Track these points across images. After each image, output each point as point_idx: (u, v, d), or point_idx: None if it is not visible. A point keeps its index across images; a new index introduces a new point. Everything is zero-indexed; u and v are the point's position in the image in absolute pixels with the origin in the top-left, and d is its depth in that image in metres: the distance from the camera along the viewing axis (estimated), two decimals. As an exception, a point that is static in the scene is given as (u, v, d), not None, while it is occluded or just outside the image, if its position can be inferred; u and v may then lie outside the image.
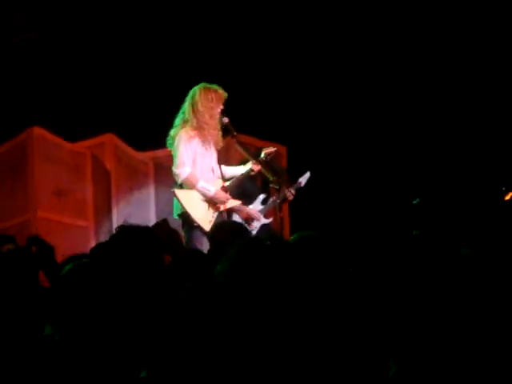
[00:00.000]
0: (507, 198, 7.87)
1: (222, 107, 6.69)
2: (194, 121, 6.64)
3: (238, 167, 7.02)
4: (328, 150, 9.41)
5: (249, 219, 6.95)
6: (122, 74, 9.12)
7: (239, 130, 6.91)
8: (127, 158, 8.33)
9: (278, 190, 6.75)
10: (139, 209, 8.25)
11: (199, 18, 9.30)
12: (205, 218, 6.62)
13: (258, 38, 9.37)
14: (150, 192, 8.48)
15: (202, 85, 6.72)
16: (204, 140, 6.68)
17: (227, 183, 6.83)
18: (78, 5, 9.02)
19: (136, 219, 7.90)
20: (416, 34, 9.41)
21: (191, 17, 9.29)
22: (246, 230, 4.94)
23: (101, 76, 9.06)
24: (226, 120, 6.73)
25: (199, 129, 6.65)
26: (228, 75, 8.46)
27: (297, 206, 8.39)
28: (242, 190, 7.34)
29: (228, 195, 6.78)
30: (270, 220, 7.13)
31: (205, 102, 6.63)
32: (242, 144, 6.86)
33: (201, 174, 6.70)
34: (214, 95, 6.65)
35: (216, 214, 6.72)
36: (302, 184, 7.26)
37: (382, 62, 9.51)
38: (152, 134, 8.52)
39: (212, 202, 6.69)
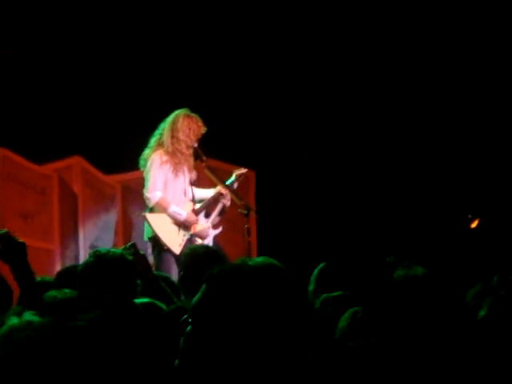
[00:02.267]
0: (473, 225, 7.94)
1: (201, 133, 6.72)
2: (170, 147, 6.66)
3: (207, 190, 7.02)
4: (296, 174, 9.43)
5: (202, 238, 6.93)
6: (91, 96, 9.09)
7: (208, 154, 6.92)
8: (95, 180, 8.29)
9: (247, 215, 6.75)
10: (106, 232, 8.19)
11: (166, 41, 9.30)
12: (175, 241, 6.63)
13: (227, 60, 9.39)
14: (117, 215, 8.43)
15: (185, 111, 6.74)
16: (176, 165, 6.68)
17: (197, 206, 6.83)
18: (47, 24, 8.98)
19: (103, 243, 7.86)
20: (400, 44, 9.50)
21: (159, 38, 9.28)
22: (220, 254, 4.93)
23: (69, 98, 9.01)
24: (194, 144, 6.75)
25: (173, 155, 6.67)
26: (197, 98, 8.47)
27: (265, 230, 8.40)
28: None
29: (197, 218, 6.79)
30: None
31: (186, 131, 6.67)
32: (210, 169, 6.87)
33: (172, 197, 6.72)
34: (195, 127, 6.68)
35: (186, 237, 6.72)
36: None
37: (357, 84, 9.58)
38: (120, 157, 8.50)
39: (182, 225, 6.69)
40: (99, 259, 3.72)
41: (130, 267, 3.77)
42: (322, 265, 4.55)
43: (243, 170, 6.98)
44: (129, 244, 5.49)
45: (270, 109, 9.50)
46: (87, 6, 8.99)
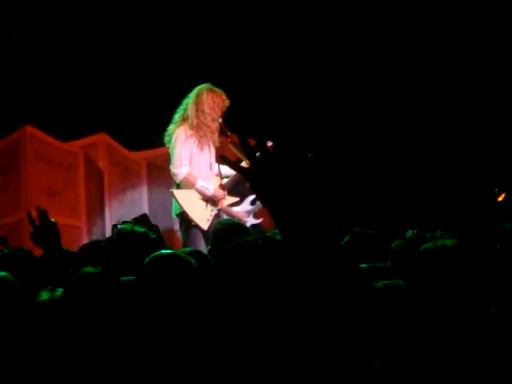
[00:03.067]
0: (500, 199, 7.88)
1: (225, 106, 6.68)
2: (195, 120, 6.62)
3: None
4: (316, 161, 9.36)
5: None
6: (115, 73, 9.09)
7: (232, 129, 6.90)
8: (120, 157, 8.31)
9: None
10: (132, 209, 8.21)
11: (193, 20, 9.28)
12: (203, 217, 6.61)
13: (251, 40, 9.36)
14: (142, 192, 8.45)
15: (208, 85, 6.69)
16: (201, 138, 6.65)
17: (224, 181, 6.81)
18: (73, 2, 8.99)
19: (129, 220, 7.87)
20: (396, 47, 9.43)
21: (184, 18, 9.26)
22: (245, 228, 4.92)
23: (94, 75, 9.02)
24: (219, 120, 6.72)
25: (198, 128, 6.62)
26: (223, 75, 8.45)
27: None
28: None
29: (225, 193, 6.77)
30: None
31: (211, 104, 6.62)
32: (236, 144, 6.83)
33: (198, 172, 6.69)
34: (219, 100, 6.64)
35: (214, 212, 6.70)
36: None
37: (368, 79, 9.54)
38: (145, 133, 8.51)
39: (210, 200, 6.67)
40: (122, 236, 3.73)
41: (152, 245, 3.78)
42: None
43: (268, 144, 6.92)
44: (140, 215, 5.51)
45: (293, 86, 9.47)
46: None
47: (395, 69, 9.46)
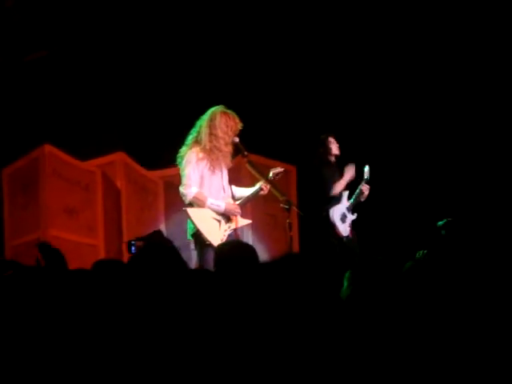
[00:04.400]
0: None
1: (238, 129, 6.72)
2: (208, 144, 6.64)
3: (247, 188, 7.02)
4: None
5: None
6: (133, 92, 9.17)
7: (249, 149, 6.94)
8: (137, 176, 8.36)
9: (288, 210, 6.76)
10: (149, 228, 8.25)
11: (206, 39, 9.36)
12: (216, 236, 6.62)
13: (265, 55, 9.42)
14: (159, 211, 8.49)
15: (221, 108, 6.69)
16: (213, 162, 6.69)
17: (237, 202, 6.84)
18: (88, 24, 9.09)
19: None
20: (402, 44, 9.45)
21: (198, 36, 9.34)
22: (252, 249, 4.93)
23: (111, 95, 9.11)
24: (236, 139, 6.74)
25: (210, 152, 6.66)
26: (237, 94, 8.51)
27: (306, 225, 8.41)
28: (330, 184, 7.93)
29: (238, 208, 6.78)
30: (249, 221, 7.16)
31: (224, 128, 6.64)
32: (252, 163, 6.86)
33: (209, 193, 6.70)
34: (232, 123, 6.66)
35: (227, 232, 6.71)
36: (368, 178, 8.05)
37: (381, 77, 9.55)
38: (162, 152, 8.56)
39: (224, 218, 6.70)
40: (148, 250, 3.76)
41: (177, 257, 3.81)
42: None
43: (280, 169, 6.96)
44: (153, 231, 5.55)
45: (308, 104, 9.51)
46: (121, 6, 9.09)
47: (394, 72, 9.49)
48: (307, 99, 9.55)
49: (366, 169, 8.05)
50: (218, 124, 6.63)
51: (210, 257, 6.56)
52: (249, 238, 8.03)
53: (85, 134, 8.79)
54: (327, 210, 7.93)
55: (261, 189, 6.82)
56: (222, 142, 6.64)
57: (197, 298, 3.61)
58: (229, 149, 6.69)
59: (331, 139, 8.14)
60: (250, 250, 4.99)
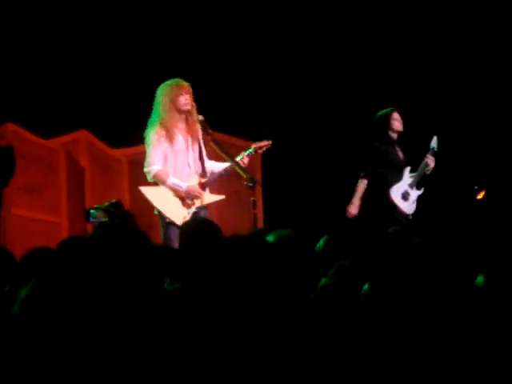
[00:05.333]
0: (479, 197, 7.91)
1: (189, 98, 6.64)
2: (163, 119, 6.60)
3: (225, 164, 6.92)
4: (302, 147, 9.44)
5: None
6: (96, 69, 9.10)
7: (215, 127, 6.91)
8: (101, 154, 8.32)
9: (252, 188, 6.75)
10: (113, 206, 8.23)
11: (177, 17, 9.29)
12: (178, 213, 6.58)
13: (233, 35, 9.38)
14: (123, 189, 8.47)
15: (172, 81, 6.66)
16: (177, 135, 6.65)
17: (204, 180, 6.78)
18: None
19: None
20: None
21: (167, 15, 9.27)
22: (216, 227, 4.93)
23: (74, 72, 9.03)
24: (200, 117, 6.72)
25: (169, 126, 6.60)
26: (205, 72, 8.48)
27: (271, 203, 8.44)
28: (390, 161, 7.57)
29: (202, 191, 6.73)
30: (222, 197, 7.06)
31: (177, 100, 6.59)
32: (217, 142, 6.84)
33: (174, 170, 6.66)
34: (175, 88, 6.60)
35: (192, 210, 6.68)
36: (436, 148, 7.65)
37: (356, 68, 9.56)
38: (126, 130, 8.52)
39: (186, 197, 6.67)
40: (105, 229, 3.75)
41: (139, 236, 3.80)
42: (325, 237, 4.59)
43: (264, 143, 6.88)
44: (114, 200, 5.51)
45: (274, 82, 9.50)
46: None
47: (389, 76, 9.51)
48: (270, 78, 9.53)
49: (434, 139, 7.67)
50: (163, 96, 6.59)
51: (173, 234, 6.54)
52: (213, 216, 8.02)
53: (48, 112, 8.71)
54: (386, 191, 7.54)
55: (237, 163, 6.73)
56: (173, 111, 6.59)
57: (158, 275, 3.61)
58: (184, 114, 6.64)
59: (394, 114, 7.62)
60: (213, 227, 5.01)
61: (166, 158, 6.64)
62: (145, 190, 6.63)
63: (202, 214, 6.72)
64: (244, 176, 6.70)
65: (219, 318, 2.75)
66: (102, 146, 8.34)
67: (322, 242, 4.54)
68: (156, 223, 7.04)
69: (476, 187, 7.92)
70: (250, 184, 6.68)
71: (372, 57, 9.56)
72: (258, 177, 8.28)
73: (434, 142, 7.67)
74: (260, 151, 6.84)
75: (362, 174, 7.61)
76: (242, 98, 9.36)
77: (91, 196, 8.07)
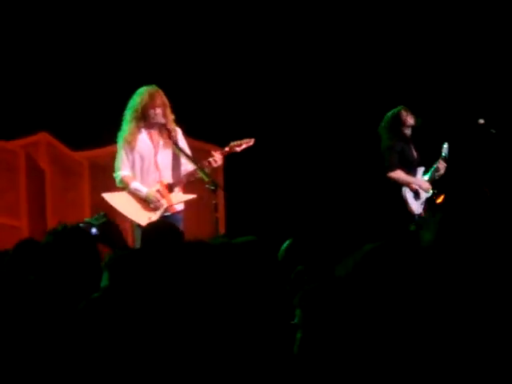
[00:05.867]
0: (439, 200, 7.95)
1: (162, 111, 6.67)
2: (131, 127, 6.67)
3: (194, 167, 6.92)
4: (265, 151, 9.43)
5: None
6: (58, 71, 9.02)
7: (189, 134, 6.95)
8: (62, 157, 8.27)
9: (214, 191, 6.75)
10: (74, 209, 8.18)
11: (139, 18, 9.24)
12: (142, 215, 6.65)
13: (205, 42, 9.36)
14: (84, 192, 8.42)
15: (148, 87, 6.71)
16: (144, 142, 6.70)
17: (169, 182, 6.79)
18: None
19: (71, 219, 7.83)
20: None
21: (130, 16, 9.22)
22: (178, 230, 4.93)
23: (36, 73, 8.95)
24: (163, 120, 6.73)
25: (136, 133, 6.67)
26: (170, 77, 8.44)
27: (233, 206, 8.43)
28: (406, 160, 7.62)
29: (169, 192, 6.75)
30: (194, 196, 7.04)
31: (150, 107, 6.62)
32: (177, 145, 6.83)
33: (140, 175, 6.72)
34: (150, 100, 6.65)
35: (159, 212, 6.71)
36: (447, 155, 7.78)
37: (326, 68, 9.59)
38: (88, 133, 8.47)
39: (151, 202, 6.70)
40: (57, 236, 3.74)
41: (87, 238, 3.79)
42: (288, 241, 4.59)
43: (246, 141, 6.87)
44: (102, 213, 5.53)
45: (240, 86, 9.50)
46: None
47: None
48: (236, 81, 9.53)
49: (445, 145, 7.79)
50: (138, 102, 6.64)
51: (139, 236, 6.59)
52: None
53: (8, 113, 8.62)
54: (399, 187, 7.61)
55: (208, 162, 6.75)
56: (143, 120, 6.64)
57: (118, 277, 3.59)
58: (161, 125, 6.66)
59: (403, 112, 7.70)
60: (174, 230, 5.00)
61: (133, 163, 6.71)
62: (107, 196, 6.75)
63: (177, 218, 6.73)
64: (206, 179, 6.72)
65: (172, 324, 2.73)
66: (62, 148, 8.29)
67: (284, 247, 4.54)
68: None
69: (435, 191, 7.94)
70: (212, 187, 6.70)
71: (354, 61, 9.60)
72: (220, 180, 8.26)
73: (445, 149, 7.79)
74: (239, 149, 6.85)
75: (392, 167, 7.61)
76: (207, 101, 9.34)
77: (52, 199, 8.00)
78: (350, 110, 9.55)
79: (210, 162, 6.71)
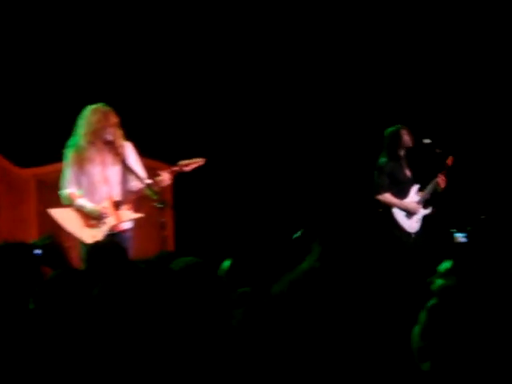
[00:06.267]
0: (449, 162, 7.88)
1: (113, 131, 6.67)
2: (83, 142, 6.69)
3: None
4: (214, 169, 9.42)
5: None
6: (4, 87, 8.94)
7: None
8: (7, 174, 8.19)
9: (162, 209, 6.73)
10: (20, 226, 8.10)
11: (82, 34, 9.19)
12: (86, 233, 6.62)
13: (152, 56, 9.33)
14: (31, 209, 8.33)
15: (96, 106, 6.74)
16: (92, 159, 6.71)
17: (116, 199, 6.76)
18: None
19: (17, 237, 7.75)
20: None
21: (72, 32, 9.15)
22: (122, 250, 4.90)
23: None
24: (110, 137, 6.72)
25: (87, 150, 6.70)
26: (118, 95, 8.40)
27: (182, 224, 8.40)
28: (396, 180, 7.65)
29: (116, 210, 6.72)
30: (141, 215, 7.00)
31: (97, 125, 6.66)
32: (126, 163, 6.80)
33: (87, 191, 6.73)
34: (102, 120, 6.65)
35: (103, 229, 6.67)
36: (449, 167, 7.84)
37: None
38: (34, 150, 8.40)
39: (97, 219, 6.65)
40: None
41: (29, 256, 3.75)
42: (227, 262, 4.56)
43: (194, 161, 6.85)
44: (47, 235, 5.51)
45: (188, 103, 9.49)
46: None
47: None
48: (185, 98, 9.52)
49: (449, 159, 7.83)
50: (92, 121, 6.67)
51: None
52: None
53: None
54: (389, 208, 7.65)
55: (160, 180, 6.70)
56: (96, 139, 6.66)
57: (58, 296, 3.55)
58: (108, 144, 6.66)
59: (404, 131, 7.74)
60: (118, 248, 4.97)
61: (80, 181, 6.73)
62: (53, 212, 6.77)
63: (125, 237, 6.69)
64: (154, 197, 6.69)
65: (119, 346, 2.70)
66: (8, 165, 8.20)
67: (224, 266, 4.52)
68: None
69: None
70: (160, 205, 6.67)
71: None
72: (169, 198, 8.23)
73: (447, 161, 7.81)
74: (188, 169, 6.84)
75: (380, 190, 7.69)
76: (158, 119, 9.32)
77: (-3, 216, 7.91)
78: (292, 132, 9.60)
79: (156, 182, 6.71)
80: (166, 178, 6.73)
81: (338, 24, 9.55)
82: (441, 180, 7.82)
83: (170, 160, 7.20)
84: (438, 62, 9.56)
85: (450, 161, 7.88)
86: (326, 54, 9.59)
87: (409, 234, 7.68)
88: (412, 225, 7.72)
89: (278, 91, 9.65)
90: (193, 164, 6.87)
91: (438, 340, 2.62)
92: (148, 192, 6.72)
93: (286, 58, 9.62)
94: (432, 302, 2.89)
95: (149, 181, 6.72)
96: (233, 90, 9.55)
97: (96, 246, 4.94)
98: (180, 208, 7.87)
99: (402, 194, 7.74)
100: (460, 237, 7.63)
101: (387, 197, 7.69)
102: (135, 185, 6.80)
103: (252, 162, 9.55)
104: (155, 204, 6.71)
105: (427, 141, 7.88)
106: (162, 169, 6.96)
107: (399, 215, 7.69)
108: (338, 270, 3.43)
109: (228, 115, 9.55)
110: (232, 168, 9.48)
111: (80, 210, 6.70)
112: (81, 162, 6.70)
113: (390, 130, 7.80)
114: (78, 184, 6.72)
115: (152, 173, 6.94)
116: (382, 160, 7.74)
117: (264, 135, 9.58)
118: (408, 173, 7.82)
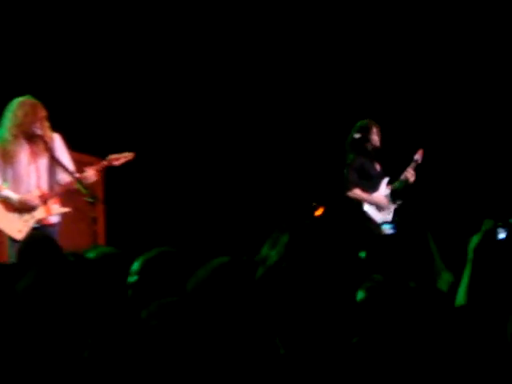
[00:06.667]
0: (318, 213, 8.08)
1: (40, 125, 6.59)
2: (7, 135, 6.62)
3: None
4: (147, 163, 9.38)
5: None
6: None
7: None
8: None
9: (93, 204, 6.67)
10: None
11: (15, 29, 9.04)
12: (14, 227, 6.54)
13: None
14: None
15: (23, 98, 6.67)
16: (18, 152, 6.64)
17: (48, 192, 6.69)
18: None
19: None
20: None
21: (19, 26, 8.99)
22: (55, 243, 4.85)
23: None
24: (38, 131, 6.65)
25: (11, 143, 6.62)
26: (51, 88, 8.30)
27: (114, 219, 8.34)
28: (366, 175, 7.73)
29: (43, 204, 6.64)
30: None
31: (23, 118, 6.60)
32: (54, 156, 6.73)
33: (13, 184, 6.65)
34: (30, 114, 6.60)
35: (31, 223, 6.59)
36: (419, 161, 7.93)
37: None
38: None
39: (25, 210, 6.58)
40: None
41: None
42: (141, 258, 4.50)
43: (123, 155, 6.80)
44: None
45: (118, 96, 9.41)
46: None
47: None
48: (117, 91, 9.43)
49: (419, 152, 7.90)
50: (19, 115, 6.60)
51: (11, 249, 6.48)
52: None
53: None
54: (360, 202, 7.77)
55: (76, 178, 6.64)
56: (23, 132, 6.60)
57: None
58: (34, 137, 6.61)
59: (375, 129, 7.81)
60: (50, 242, 4.91)
61: (7, 173, 6.64)
62: None
63: (51, 230, 6.61)
64: (84, 192, 6.62)
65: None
66: None
67: (136, 264, 4.47)
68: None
69: (314, 204, 8.07)
70: (91, 200, 6.61)
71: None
72: (100, 193, 8.15)
73: (418, 155, 7.90)
74: (117, 163, 6.79)
75: (349, 186, 7.79)
76: (88, 112, 9.22)
77: None
78: (228, 125, 9.60)
79: (82, 178, 6.64)
80: (91, 174, 6.67)
81: (314, 25, 9.56)
82: (409, 174, 7.94)
83: (99, 154, 7.14)
84: (410, 58, 9.65)
85: (419, 154, 8.01)
86: (298, 51, 9.58)
87: (378, 225, 7.84)
88: (384, 217, 7.88)
89: (213, 78, 9.61)
90: (122, 158, 6.84)
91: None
92: (78, 186, 6.65)
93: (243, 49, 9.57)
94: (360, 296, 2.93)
95: (77, 174, 6.65)
96: (164, 82, 9.50)
97: (29, 240, 4.86)
98: (111, 203, 7.79)
99: (372, 188, 7.90)
100: (387, 228, 7.77)
101: (356, 192, 7.83)
102: (63, 178, 6.73)
103: (184, 156, 9.53)
104: (86, 198, 6.64)
105: (358, 136, 7.95)
106: (92, 162, 6.90)
107: (370, 209, 7.86)
108: (305, 262, 3.42)
109: (160, 109, 9.51)
110: (164, 162, 9.43)
111: (5, 203, 6.60)
112: (6, 155, 6.61)
113: (360, 124, 7.90)
114: (4, 176, 6.65)
115: (81, 167, 6.88)
116: (350, 156, 7.87)
117: (194, 127, 9.56)
118: (378, 167, 7.96)
